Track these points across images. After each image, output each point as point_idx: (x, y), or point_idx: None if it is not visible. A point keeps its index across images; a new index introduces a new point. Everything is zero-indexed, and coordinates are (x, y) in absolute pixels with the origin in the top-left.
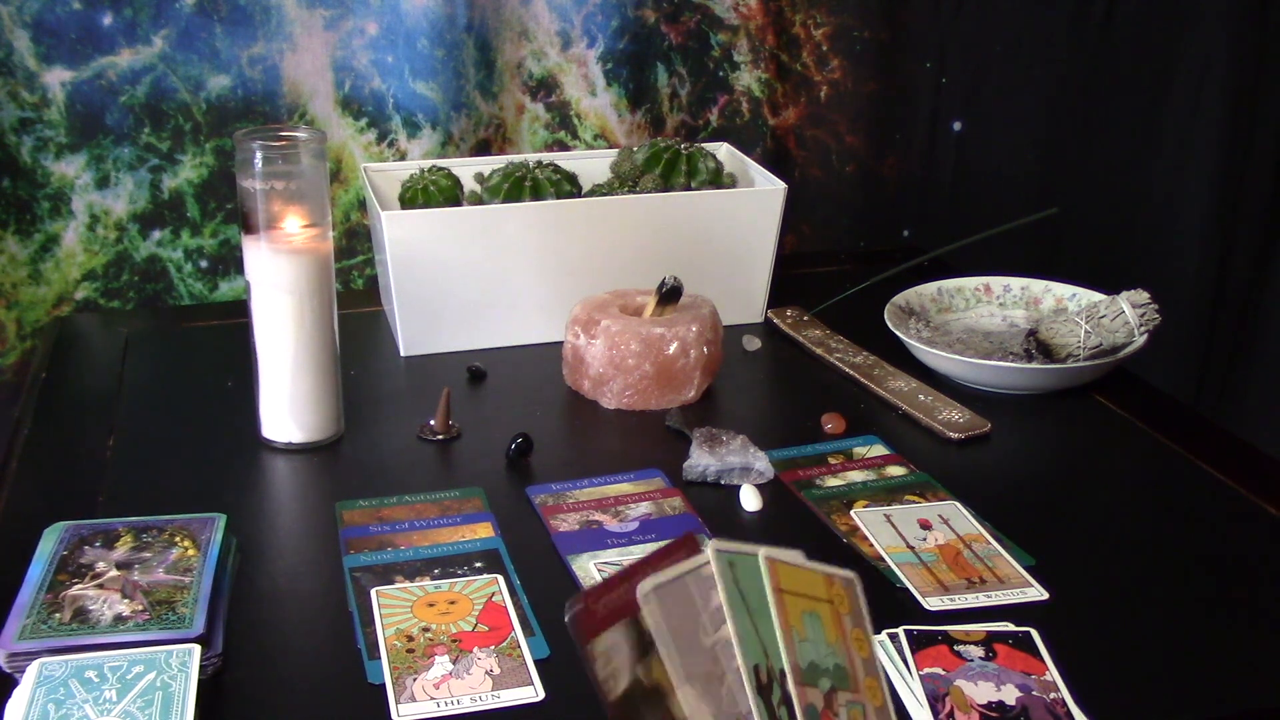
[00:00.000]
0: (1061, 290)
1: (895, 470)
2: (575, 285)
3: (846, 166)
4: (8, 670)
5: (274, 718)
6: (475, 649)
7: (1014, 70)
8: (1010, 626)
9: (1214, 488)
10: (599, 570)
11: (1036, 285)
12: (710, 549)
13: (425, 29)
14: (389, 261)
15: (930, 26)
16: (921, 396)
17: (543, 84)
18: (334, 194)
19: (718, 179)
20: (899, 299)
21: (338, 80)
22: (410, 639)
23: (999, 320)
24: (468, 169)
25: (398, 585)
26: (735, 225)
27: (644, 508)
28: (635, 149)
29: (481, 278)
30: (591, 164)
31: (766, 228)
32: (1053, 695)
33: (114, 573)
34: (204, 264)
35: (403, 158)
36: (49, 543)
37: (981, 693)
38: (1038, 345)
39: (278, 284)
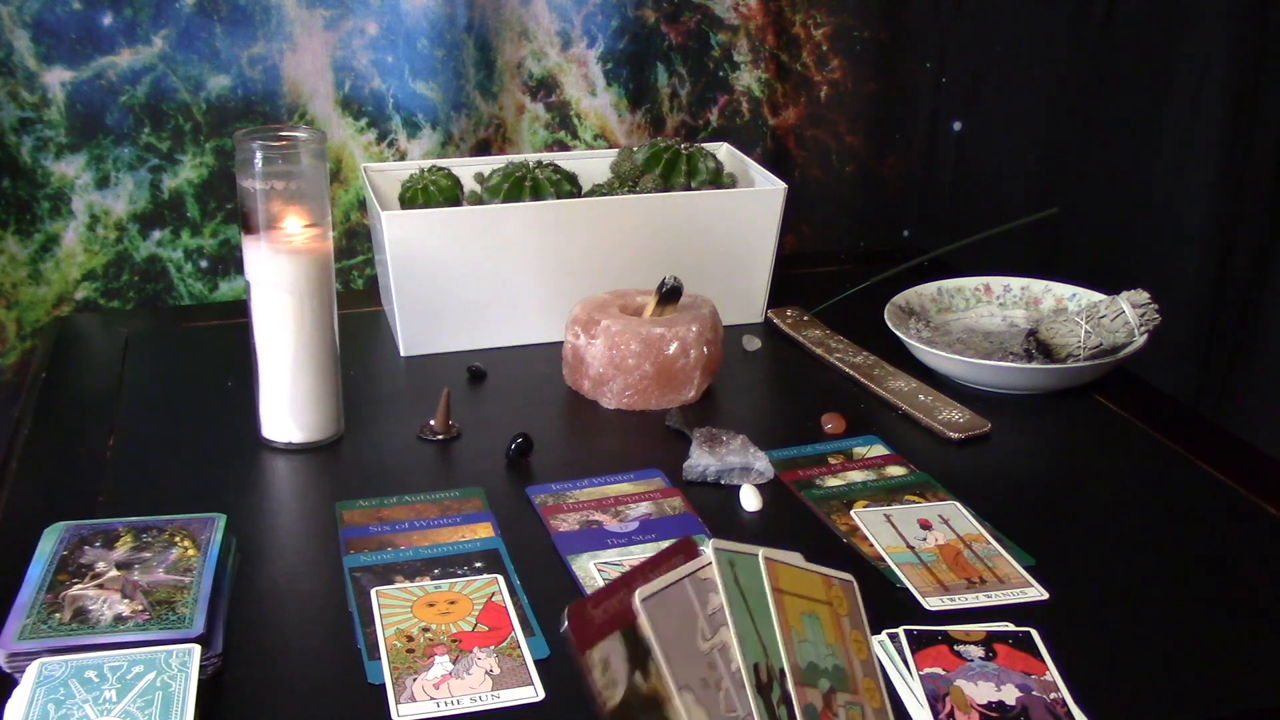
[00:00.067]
0: (1061, 290)
1: (895, 470)
2: (575, 285)
3: (846, 166)
4: (8, 670)
5: (274, 718)
6: (475, 649)
7: (1014, 70)
8: (1010, 626)
9: (1214, 488)
10: (599, 570)
11: (1036, 285)
12: (711, 547)
13: (425, 29)
14: (389, 261)
15: (930, 26)
16: (921, 396)
17: (543, 84)
18: (334, 194)
19: (718, 179)
20: (899, 299)
21: (338, 80)
22: (410, 639)
23: (999, 320)
24: (468, 169)
25: (398, 585)
26: (735, 225)
27: (644, 508)
28: (635, 149)
29: (481, 278)
30: (591, 164)
31: (766, 228)
32: (1053, 695)
33: (114, 573)
34: (204, 264)
35: (403, 158)
36: (49, 543)
37: (981, 693)
38: (1038, 345)
39: (278, 284)
